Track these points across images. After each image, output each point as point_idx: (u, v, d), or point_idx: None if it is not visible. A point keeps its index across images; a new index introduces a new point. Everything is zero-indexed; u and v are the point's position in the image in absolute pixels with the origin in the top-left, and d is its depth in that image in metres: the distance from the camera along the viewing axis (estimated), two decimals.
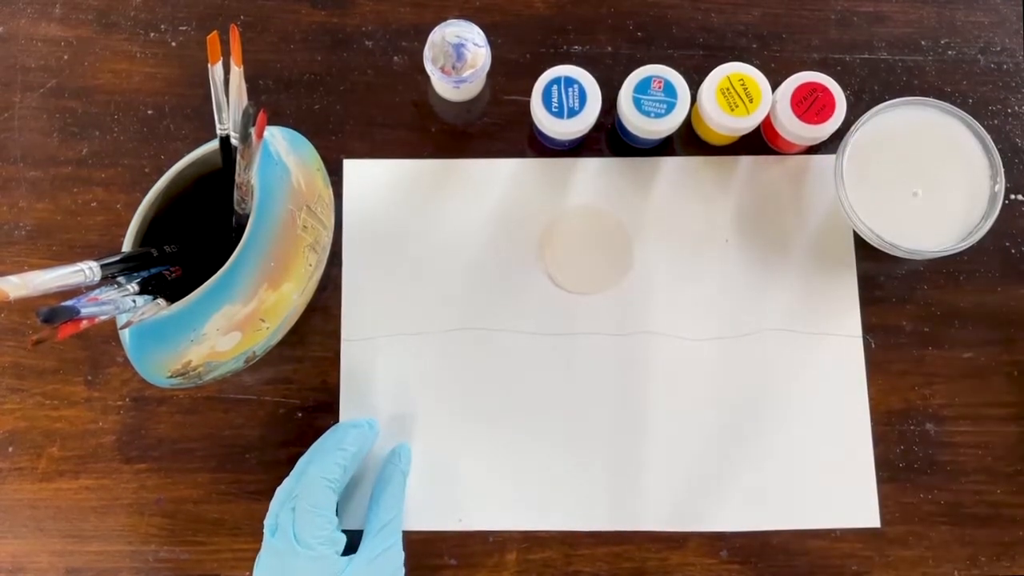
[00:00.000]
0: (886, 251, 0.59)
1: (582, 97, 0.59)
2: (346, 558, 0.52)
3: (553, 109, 0.58)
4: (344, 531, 0.54)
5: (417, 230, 0.63)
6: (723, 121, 0.59)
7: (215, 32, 0.47)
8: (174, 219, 0.53)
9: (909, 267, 0.63)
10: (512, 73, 0.64)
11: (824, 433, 0.60)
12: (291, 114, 0.64)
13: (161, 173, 0.51)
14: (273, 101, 0.64)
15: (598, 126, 0.62)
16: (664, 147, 0.64)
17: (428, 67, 0.59)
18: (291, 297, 0.52)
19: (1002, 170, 0.58)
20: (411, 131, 0.64)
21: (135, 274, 0.48)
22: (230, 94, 0.49)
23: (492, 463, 0.60)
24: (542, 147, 0.64)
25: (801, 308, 0.62)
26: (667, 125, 0.59)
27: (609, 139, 0.64)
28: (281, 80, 0.65)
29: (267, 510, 0.53)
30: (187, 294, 0.47)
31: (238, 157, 0.46)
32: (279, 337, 0.54)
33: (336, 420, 0.60)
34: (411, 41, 0.65)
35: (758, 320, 0.62)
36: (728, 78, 0.59)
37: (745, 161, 0.64)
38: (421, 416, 0.61)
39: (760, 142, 0.64)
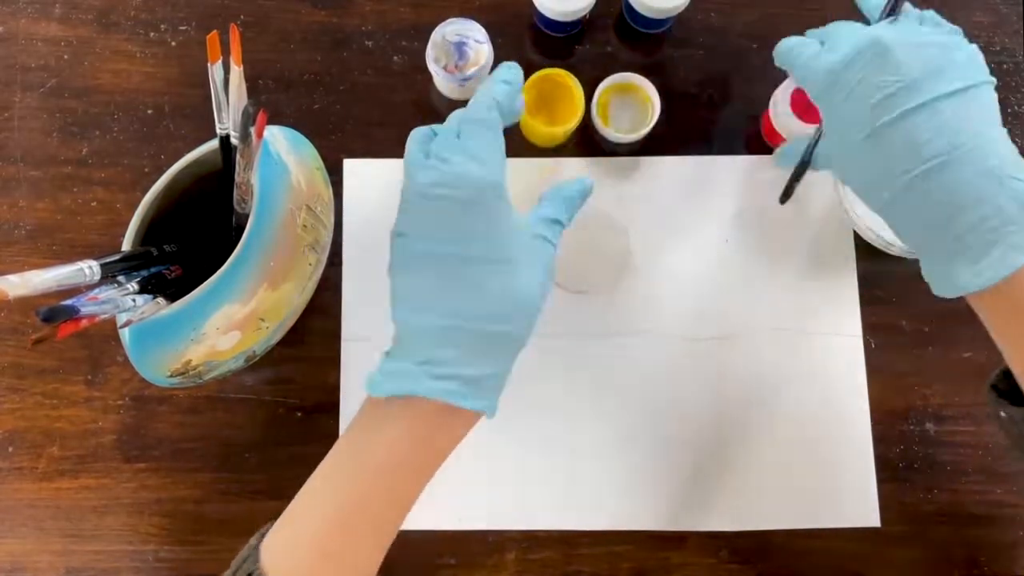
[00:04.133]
0: (886, 251, 0.59)
1: None
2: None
3: None
4: None
5: None
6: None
7: (215, 32, 0.47)
8: (174, 219, 0.53)
9: (909, 267, 0.62)
10: None
11: (824, 433, 0.60)
12: (291, 114, 0.64)
13: (161, 173, 0.51)
14: (273, 101, 0.64)
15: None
16: (663, 146, 0.64)
17: (431, 67, 0.59)
18: (291, 297, 0.52)
19: None
20: (411, 131, 0.64)
21: (135, 273, 0.48)
22: (230, 94, 0.49)
23: (492, 463, 0.60)
24: (543, 34, 0.64)
25: (801, 308, 0.62)
26: (677, 1, 0.59)
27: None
28: (281, 80, 0.65)
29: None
30: (187, 293, 0.47)
31: (238, 157, 0.46)
32: (279, 337, 0.54)
33: (336, 420, 0.60)
34: (411, 41, 0.65)
35: (758, 320, 0.62)
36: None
37: (745, 161, 0.64)
38: None
39: (760, 142, 0.64)
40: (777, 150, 0.53)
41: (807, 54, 0.45)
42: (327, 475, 0.42)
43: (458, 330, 0.40)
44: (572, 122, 0.59)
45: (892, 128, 0.41)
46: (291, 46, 0.65)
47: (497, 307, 0.40)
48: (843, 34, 0.44)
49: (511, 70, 0.44)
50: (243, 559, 0.42)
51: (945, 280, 0.42)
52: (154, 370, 0.49)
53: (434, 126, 0.43)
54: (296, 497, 0.42)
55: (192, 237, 0.54)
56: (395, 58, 0.65)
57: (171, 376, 0.50)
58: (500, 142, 0.42)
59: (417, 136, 0.43)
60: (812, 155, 0.49)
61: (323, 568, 0.40)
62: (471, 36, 0.58)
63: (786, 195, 0.53)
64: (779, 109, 0.59)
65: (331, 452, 0.43)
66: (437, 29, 0.58)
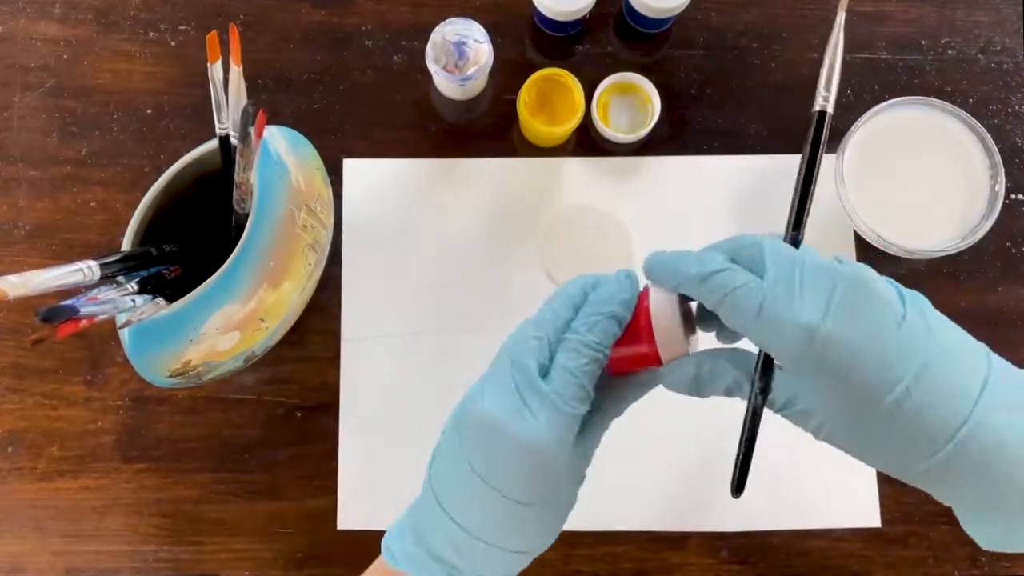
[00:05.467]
0: (886, 251, 0.59)
1: None
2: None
3: None
4: None
5: (417, 229, 0.63)
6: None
7: (214, 31, 0.47)
8: (174, 219, 0.53)
9: (909, 267, 0.62)
10: (512, 73, 0.64)
11: None
12: (291, 114, 0.64)
13: (160, 173, 0.51)
14: (273, 101, 0.64)
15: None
16: (663, 146, 0.64)
17: (431, 67, 0.58)
18: (291, 297, 0.52)
19: (1002, 170, 0.58)
20: (411, 131, 0.64)
21: (134, 273, 0.48)
22: (229, 93, 0.49)
23: None
24: (543, 34, 0.64)
25: None
26: (677, 1, 0.59)
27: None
28: (281, 80, 0.65)
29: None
30: (186, 293, 0.47)
31: (237, 156, 0.46)
32: (279, 337, 0.54)
33: (336, 420, 0.60)
34: (411, 41, 0.65)
35: None
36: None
37: (745, 160, 0.64)
38: (420, 416, 0.61)
39: (760, 141, 0.64)
40: (670, 372, 0.40)
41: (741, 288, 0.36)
42: None
43: (489, 549, 0.39)
44: (572, 122, 0.59)
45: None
46: (291, 46, 0.65)
47: (538, 543, 0.42)
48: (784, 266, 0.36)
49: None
50: None
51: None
52: (153, 370, 0.49)
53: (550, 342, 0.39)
54: None
55: (191, 237, 0.54)
56: (395, 58, 0.65)
57: (170, 376, 0.50)
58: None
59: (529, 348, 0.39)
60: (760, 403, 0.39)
61: None
62: (471, 36, 0.58)
63: (739, 486, 0.41)
64: (664, 315, 0.41)
65: None
66: (437, 29, 0.58)
